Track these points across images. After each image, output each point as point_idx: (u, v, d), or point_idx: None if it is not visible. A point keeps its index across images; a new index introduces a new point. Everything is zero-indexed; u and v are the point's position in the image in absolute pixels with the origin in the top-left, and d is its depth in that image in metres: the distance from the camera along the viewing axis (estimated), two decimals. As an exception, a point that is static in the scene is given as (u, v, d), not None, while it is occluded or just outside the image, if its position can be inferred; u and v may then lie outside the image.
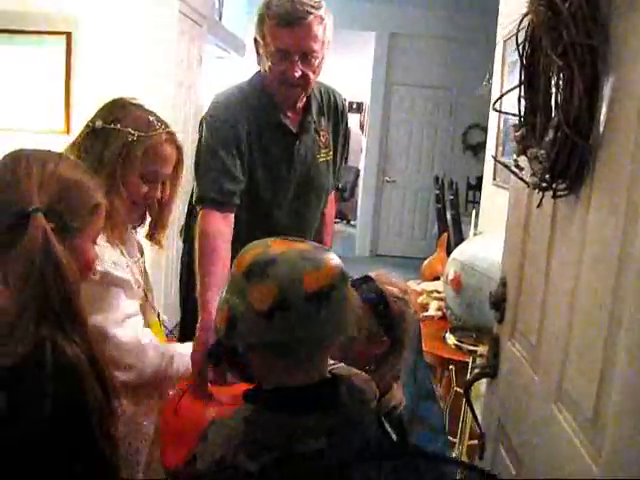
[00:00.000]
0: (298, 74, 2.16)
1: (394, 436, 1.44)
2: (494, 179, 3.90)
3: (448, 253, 3.88)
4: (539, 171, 1.23)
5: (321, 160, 2.42)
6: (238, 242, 1.77)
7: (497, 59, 4.00)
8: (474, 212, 4.10)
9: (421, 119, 8.71)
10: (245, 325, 1.30)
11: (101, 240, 1.64)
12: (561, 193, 1.27)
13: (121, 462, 1.37)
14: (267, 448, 1.26)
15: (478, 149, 8.23)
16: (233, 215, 2.15)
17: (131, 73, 4.15)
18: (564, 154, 1.18)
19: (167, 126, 1.80)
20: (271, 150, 2.29)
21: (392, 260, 8.65)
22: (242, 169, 2.20)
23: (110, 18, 4.17)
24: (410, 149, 8.69)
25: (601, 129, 1.15)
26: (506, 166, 1.43)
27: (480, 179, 6.02)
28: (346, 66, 11.07)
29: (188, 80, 4.86)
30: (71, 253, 1.25)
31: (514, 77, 3.39)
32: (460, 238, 5.09)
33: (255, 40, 2.22)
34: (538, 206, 1.34)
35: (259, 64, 2.28)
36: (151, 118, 1.78)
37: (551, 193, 1.29)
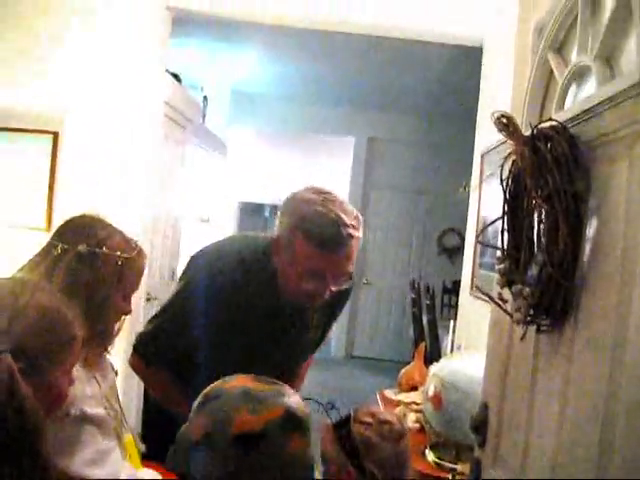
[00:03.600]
0: (328, 294, 1.98)
1: None
2: (471, 289, 3.94)
3: (425, 361, 3.88)
4: (523, 307, 1.26)
5: (305, 337, 2.24)
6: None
7: (475, 170, 4.11)
8: (451, 321, 4.11)
9: (397, 222, 8.84)
10: (182, 453, 1.31)
11: (76, 366, 1.62)
12: (545, 328, 1.29)
13: None
14: None
15: (453, 253, 8.35)
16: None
17: (115, 174, 4.19)
18: (548, 292, 1.21)
19: (135, 241, 1.82)
20: (254, 323, 2.07)
21: (367, 362, 8.60)
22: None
23: (97, 120, 4.23)
24: (386, 251, 8.78)
25: (585, 269, 1.19)
26: (491, 298, 1.45)
27: (456, 283, 6.08)
28: (325, 168, 11.28)
29: (171, 181, 4.91)
30: (41, 389, 1.22)
31: (491, 187, 3.48)
32: (437, 344, 5.10)
33: (277, 239, 1.99)
34: (521, 339, 1.36)
35: (275, 253, 2.02)
36: (126, 237, 1.80)
37: (534, 327, 1.32)
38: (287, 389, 1.44)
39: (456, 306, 4.65)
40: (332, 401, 1.69)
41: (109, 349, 1.86)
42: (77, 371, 1.61)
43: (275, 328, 2.10)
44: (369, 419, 1.67)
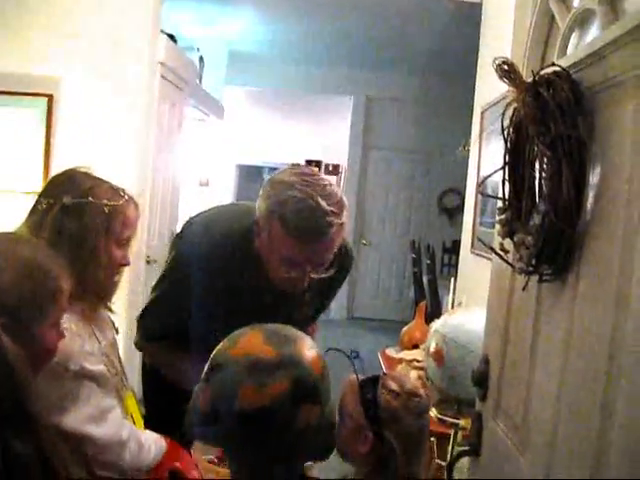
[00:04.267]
0: (306, 283, 1.89)
1: None
2: (472, 247, 3.93)
3: (426, 319, 3.89)
4: (525, 256, 1.24)
5: (297, 312, 2.08)
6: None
7: (475, 127, 4.07)
8: (452, 279, 4.11)
9: (397, 182, 8.81)
10: (192, 424, 1.32)
11: (74, 321, 1.61)
12: (547, 278, 1.28)
13: None
14: None
15: (454, 213, 8.33)
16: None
17: (112, 137, 4.16)
18: (551, 241, 1.19)
19: (124, 190, 1.80)
20: (241, 297, 1.98)
21: (368, 323, 8.63)
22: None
23: (92, 81, 4.19)
24: (386, 212, 8.77)
25: (588, 217, 1.17)
26: (492, 249, 1.44)
27: (456, 242, 6.08)
28: (324, 129, 11.22)
29: (168, 143, 4.88)
30: (27, 344, 1.19)
31: (492, 144, 3.45)
32: (437, 303, 5.11)
33: (257, 221, 1.88)
34: (523, 289, 1.34)
35: (256, 234, 1.91)
36: (113, 186, 1.78)
37: (536, 277, 1.30)
38: (300, 345, 1.38)
39: (456, 266, 4.65)
40: (356, 349, 1.67)
41: (109, 305, 1.85)
42: (76, 326, 1.60)
43: (264, 304, 1.99)
44: (397, 388, 1.65)
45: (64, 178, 1.78)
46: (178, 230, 2.25)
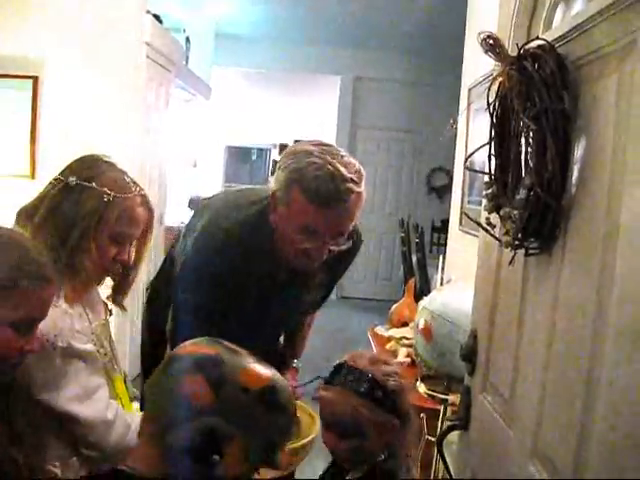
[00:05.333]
0: (326, 255, 1.85)
1: None
2: (460, 224, 3.95)
3: (415, 297, 3.91)
4: (512, 230, 1.25)
5: (307, 297, 2.12)
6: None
7: (462, 105, 4.07)
8: (441, 257, 4.13)
9: (385, 162, 8.81)
10: None
11: (61, 303, 1.61)
12: (533, 251, 1.29)
13: None
14: None
15: (442, 191, 8.34)
16: None
17: (98, 118, 4.14)
18: (537, 214, 1.20)
19: (141, 188, 1.76)
20: (251, 285, 1.95)
21: (357, 303, 8.66)
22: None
23: (77, 63, 4.16)
24: (375, 192, 8.77)
25: (573, 191, 1.18)
26: (479, 223, 1.45)
27: (445, 221, 6.10)
28: (312, 109, 11.18)
29: (155, 124, 4.85)
30: None
31: (479, 123, 3.45)
32: (426, 281, 5.12)
33: (274, 193, 1.86)
34: (510, 263, 1.35)
35: (272, 210, 1.88)
36: (127, 179, 1.73)
37: (523, 251, 1.31)
38: (246, 359, 1.32)
39: (445, 244, 4.66)
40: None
41: (121, 301, 1.85)
42: (65, 304, 1.60)
43: (275, 290, 1.99)
44: (387, 369, 1.64)
45: (82, 161, 1.75)
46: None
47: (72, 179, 1.66)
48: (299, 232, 1.81)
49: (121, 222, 1.69)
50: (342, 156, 1.79)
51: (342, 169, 1.75)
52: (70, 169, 1.71)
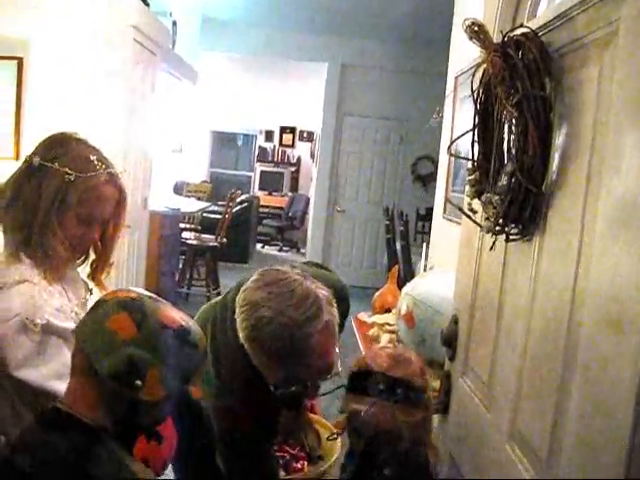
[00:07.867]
0: (318, 390, 1.65)
1: None
2: (444, 212, 3.96)
3: (399, 284, 3.92)
4: (493, 216, 1.27)
5: None
6: None
7: (448, 93, 4.08)
8: (424, 244, 4.14)
9: (371, 149, 8.80)
10: None
11: (39, 281, 1.61)
12: (514, 237, 1.30)
13: None
14: None
15: (427, 180, 8.34)
16: None
17: (83, 101, 4.11)
18: (518, 200, 1.21)
19: (108, 166, 1.70)
20: None
21: (342, 289, 8.66)
22: None
23: (63, 45, 4.13)
24: (360, 179, 8.77)
25: (554, 177, 1.19)
26: (460, 209, 1.46)
27: (429, 210, 6.10)
28: (298, 96, 11.17)
29: (141, 108, 4.83)
30: None
31: (465, 111, 3.47)
32: (410, 269, 5.14)
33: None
34: (491, 249, 1.37)
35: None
36: (92, 157, 1.68)
37: (503, 237, 1.33)
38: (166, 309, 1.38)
39: (429, 233, 4.67)
40: None
41: (101, 279, 1.82)
42: (42, 282, 1.60)
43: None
44: (412, 366, 1.51)
45: (51, 139, 1.70)
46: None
47: (36, 159, 1.63)
48: (282, 382, 1.60)
49: (85, 202, 1.66)
50: (293, 291, 1.54)
51: (295, 314, 1.51)
52: (38, 148, 1.68)
